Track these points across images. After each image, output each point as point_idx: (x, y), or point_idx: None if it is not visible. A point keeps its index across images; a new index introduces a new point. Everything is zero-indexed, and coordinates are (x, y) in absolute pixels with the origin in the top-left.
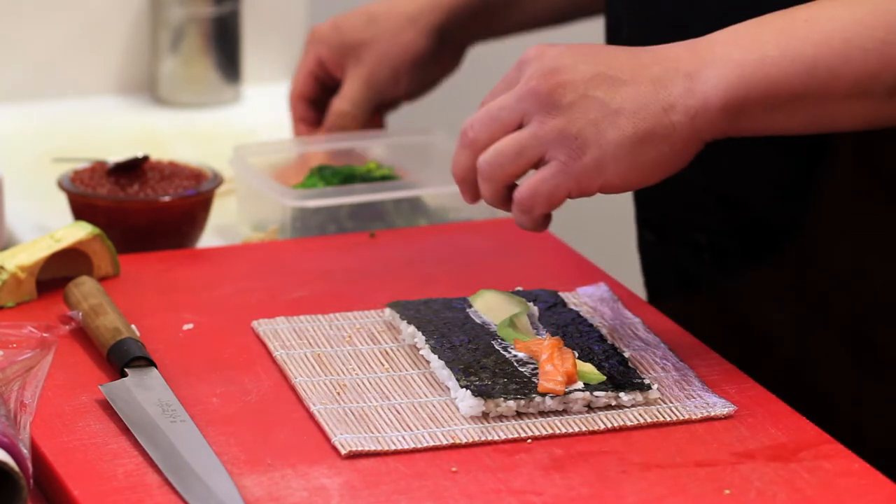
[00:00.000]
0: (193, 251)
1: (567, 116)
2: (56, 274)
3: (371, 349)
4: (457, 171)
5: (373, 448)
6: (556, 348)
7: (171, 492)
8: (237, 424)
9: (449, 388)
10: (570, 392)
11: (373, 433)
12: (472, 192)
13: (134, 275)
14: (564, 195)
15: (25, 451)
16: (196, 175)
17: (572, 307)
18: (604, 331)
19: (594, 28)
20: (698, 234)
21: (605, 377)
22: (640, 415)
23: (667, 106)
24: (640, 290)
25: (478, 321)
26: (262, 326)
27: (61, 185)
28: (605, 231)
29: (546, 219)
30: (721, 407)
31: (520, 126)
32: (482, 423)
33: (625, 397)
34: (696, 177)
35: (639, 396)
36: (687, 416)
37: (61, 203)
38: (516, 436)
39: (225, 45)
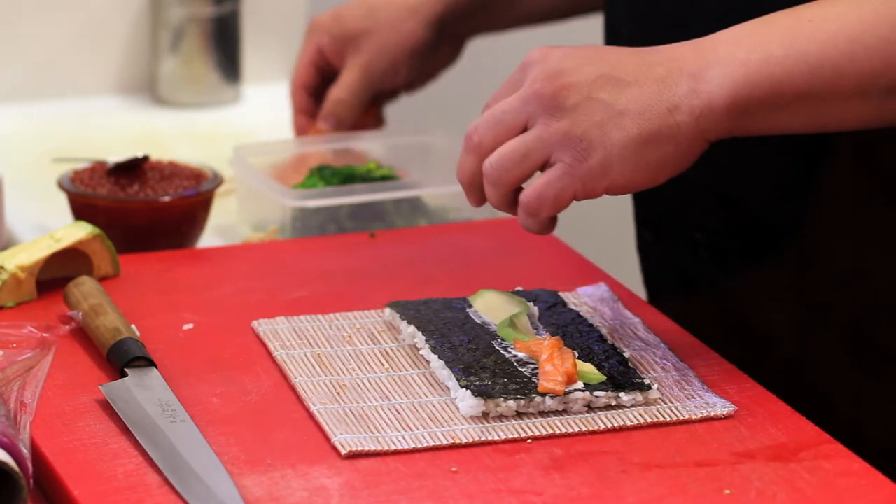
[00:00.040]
0: (193, 251)
1: (572, 118)
2: (56, 274)
3: (371, 349)
4: (462, 175)
5: (373, 448)
6: (556, 348)
7: (171, 492)
8: (237, 424)
9: (449, 388)
10: (570, 392)
11: (373, 433)
12: (477, 196)
13: (134, 275)
14: (570, 197)
15: (25, 451)
16: (196, 175)
17: (572, 307)
18: (604, 331)
19: (593, 27)
20: (698, 234)
21: (605, 377)
22: (640, 415)
23: (671, 106)
24: (639, 290)
25: (478, 321)
26: (262, 326)
27: (61, 185)
28: (605, 231)
29: (552, 221)
30: (721, 407)
31: (524, 129)
32: (482, 423)
33: (625, 397)
34: (696, 176)
35: (639, 396)
36: (687, 416)
37: (61, 203)
38: (516, 436)
39: (225, 45)
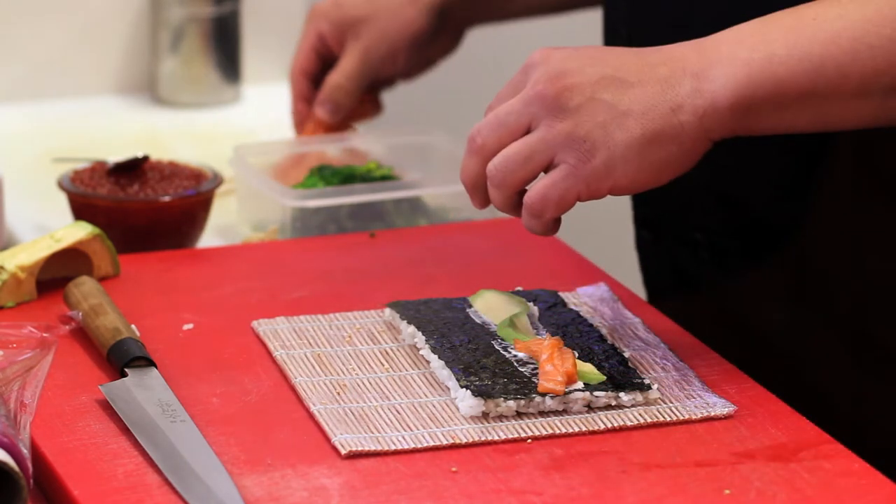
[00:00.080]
0: (193, 251)
1: (575, 119)
2: (56, 274)
3: (371, 349)
4: (466, 177)
5: (373, 448)
6: (556, 348)
7: (171, 492)
8: (237, 424)
9: (449, 388)
10: (570, 392)
11: (373, 433)
12: (481, 198)
13: (134, 275)
14: (574, 198)
15: (25, 451)
16: (196, 175)
17: (572, 307)
18: (604, 331)
19: (592, 26)
20: (697, 234)
21: (605, 377)
22: (640, 415)
23: (675, 106)
24: (639, 290)
25: (478, 321)
26: (262, 326)
27: (61, 185)
28: (605, 231)
29: (556, 223)
30: (721, 407)
31: (528, 130)
32: (482, 423)
33: (625, 397)
34: (696, 176)
35: (639, 396)
36: (687, 416)
37: (61, 203)
38: (516, 436)
39: (225, 45)
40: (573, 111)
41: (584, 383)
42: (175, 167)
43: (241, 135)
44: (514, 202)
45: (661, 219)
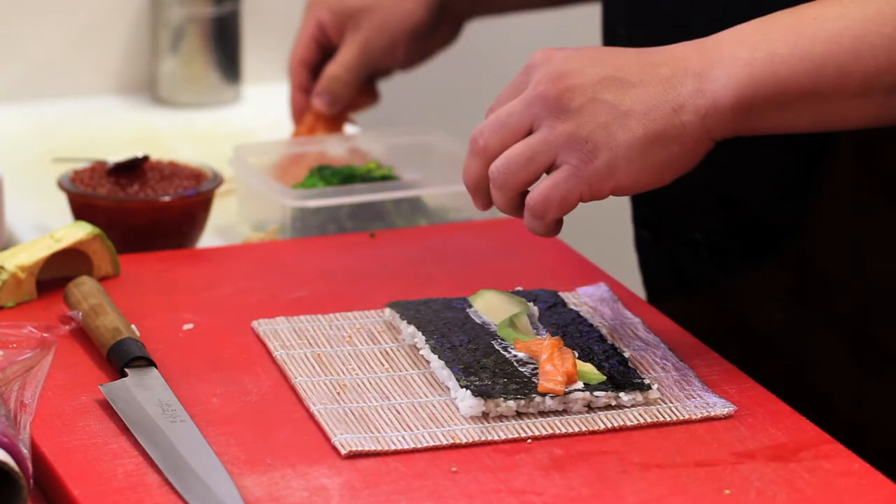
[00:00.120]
0: (193, 251)
1: (576, 120)
2: (56, 274)
3: (371, 349)
4: (468, 179)
5: (373, 448)
6: (556, 348)
7: (171, 492)
8: (237, 424)
9: (449, 388)
10: (570, 392)
11: (373, 433)
12: (484, 199)
13: (134, 275)
14: (577, 199)
15: (25, 451)
16: (196, 175)
17: (572, 307)
18: (604, 331)
19: (592, 26)
20: (697, 234)
21: (605, 377)
22: (640, 415)
23: (676, 106)
24: (639, 290)
25: (478, 321)
26: (262, 326)
27: (61, 185)
28: (605, 231)
29: (558, 224)
30: (721, 407)
31: (529, 132)
32: (482, 423)
33: (625, 397)
34: (696, 176)
35: (639, 396)
36: (687, 416)
37: (61, 203)
38: (516, 436)
39: (225, 45)
40: (575, 112)
41: (584, 383)
42: (175, 167)
43: (241, 135)
44: (517, 203)
45: (661, 219)
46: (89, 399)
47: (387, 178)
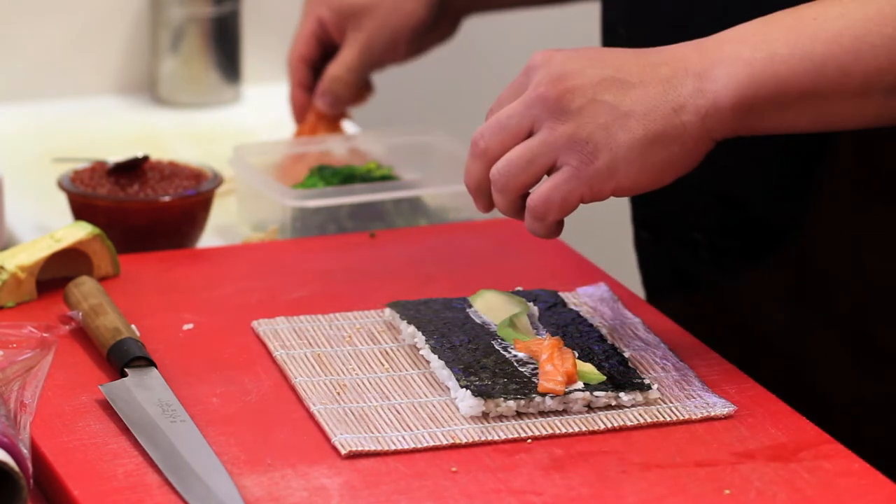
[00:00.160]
0: (193, 251)
1: (577, 121)
2: (56, 274)
3: (371, 349)
4: (469, 182)
5: (373, 448)
6: (556, 348)
7: (171, 492)
8: (237, 424)
9: (449, 388)
10: (570, 392)
11: (373, 433)
12: (485, 201)
13: (134, 275)
14: (577, 200)
15: (25, 451)
16: (196, 175)
17: (572, 307)
18: (604, 331)
19: (590, 26)
20: (697, 234)
21: (605, 377)
22: (640, 415)
23: (677, 106)
24: (639, 291)
25: (478, 321)
26: (262, 326)
27: (61, 185)
28: (605, 231)
29: (559, 225)
30: (721, 407)
31: (530, 133)
32: (482, 423)
33: (625, 397)
34: (695, 176)
35: (639, 396)
36: (687, 416)
37: (61, 203)
38: (516, 436)
39: (225, 45)
40: (575, 113)
41: (584, 383)
42: (175, 167)
43: (241, 135)
44: (518, 206)
45: (661, 219)
46: (89, 399)
47: (387, 178)
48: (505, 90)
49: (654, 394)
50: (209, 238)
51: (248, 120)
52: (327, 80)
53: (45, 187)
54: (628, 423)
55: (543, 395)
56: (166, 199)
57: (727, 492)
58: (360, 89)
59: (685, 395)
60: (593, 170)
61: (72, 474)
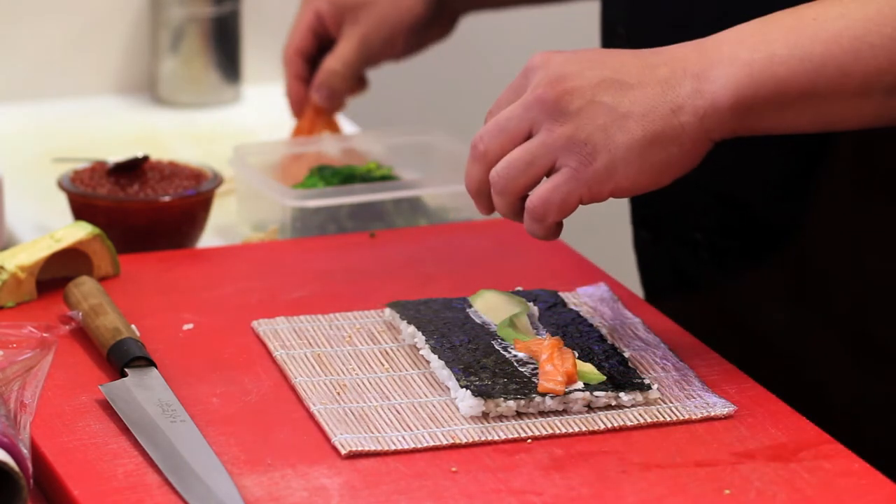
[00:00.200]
0: (193, 251)
1: (575, 123)
2: (56, 274)
3: (371, 349)
4: (470, 184)
5: (373, 448)
6: (556, 348)
7: (171, 492)
8: (237, 424)
9: (449, 388)
10: (570, 392)
11: (373, 433)
12: (486, 204)
13: (134, 275)
14: (576, 202)
15: (25, 451)
16: (196, 175)
17: (572, 307)
18: (604, 331)
19: (590, 25)
20: (697, 234)
21: (605, 377)
22: (640, 415)
23: (675, 107)
24: (638, 291)
25: (478, 321)
26: (262, 326)
27: (61, 185)
28: (605, 231)
29: (558, 227)
30: (721, 407)
31: (529, 135)
32: (482, 423)
33: (625, 397)
34: (695, 176)
35: (639, 396)
36: (687, 416)
37: (61, 203)
38: (516, 436)
39: (225, 45)
40: (573, 115)
41: (584, 383)
42: (175, 167)
43: (241, 135)
44: (518, 208)
45: (661, 219)
46: (89, 399)
47: (387, 178)
48: (504, 92)
49: (654, 394)
50: (209, 238)
51: (248, 120)
52: (323, 74)
53: (45, 187)
54: (628, 423)
55: (543, 395)
56: (166, 199)
57: (727, 492)
58: (356, 84)
59: (685, 395)
60: (592, 171)
61: (72, 474)
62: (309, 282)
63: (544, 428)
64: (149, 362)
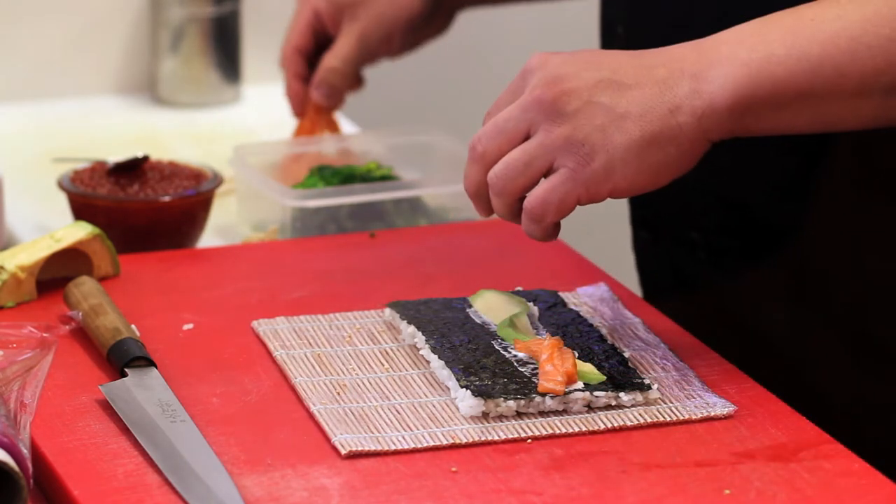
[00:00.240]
0: (193, 251)
1: (573, 123)
2: (56, 274)
3: (371, 349)
4: (469, 186)
5: (373, 448)
6: (556, 348)
7: (171, 492)
8: (237, 424)
9: (449, 388)
10: (570, 392)
11: (373, 433)
12: (485, 206)
13: (134, 275)
14: (574, 202)
15: (25, 451)
16: (196, 175)
17: (572, 307)
18: (604, 331)
19: (590, 25)
20: (695, 234)
21: (605, 377)
22: (640, 415)
23: (673, 107)
24: (637, 291)
25: (478, 321)
26: (262, 326)
27: (61, 185)
28: (605, 231)
29: (556, 227)
30: (721, 407)
31: (527, 137)
32: (482, 423)
33: (625, 397)
34: (693, 176)
35: (639, 396)
36: (687, 416)
37: (61, 203)
38: (516, 436)
39: (225, 45)
40: (571, 115)
41: (584, 383)
42: (175, 167)
43: (241, 135)
44: (516, 209)
45: (660, 219)
46: (89, 399)
47: (387, 178)
48: (502, 94)
49: (654, 394)
50: (209, 238)
51: (248, 120)
52: (323, 71)
53: (45, 187)
54: (628, 423)
55: (543, 395)
56: (166, 199)
57: (727, 492)
58: (353, 81)
59: (685, 395)
60: (590, 171)
61: (72, 474)
62: (309, 282)
63: (544, 428)
64: (149, 362)
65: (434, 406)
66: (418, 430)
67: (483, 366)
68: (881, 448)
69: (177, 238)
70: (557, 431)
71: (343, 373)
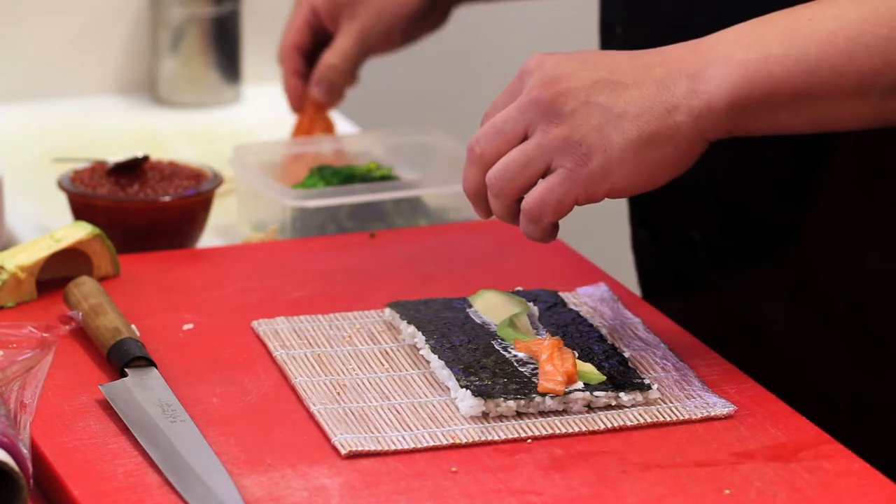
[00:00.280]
0: (193, 251)
1: (570, 124)
2: (56, 274)
3: (371, 349)
4: (467, 187)
5: (373, 448)
6: (556, 348)
7: (171, 492)
8: (237, 424)
9: (449, 388)
10: (570, 392)
11: (373, 433)
12: (484, 207)
13: (134, 275)
14: (572, 202)
15: (25, 451)
16: (196, 175)
17: (572, 307)
18: (604, 331)
19: (589, 23)
20: (694, 234)
21: (605, 377)
22: (640, 415)
23: (670, 107)
24: (637, 290)
25: (478, 321)
26: (262, 326)
27: (61, 185)
28: (605, 231)
29: (554, 228)
30: (721, 407)
31: (525, 137)
32: (482, 423)
33: (625, 397)
34: (693, 177)
35: (639, 396)
36: (687, 416)
37: (61, 203)
38: (516, 436)
39: (225, 45)
40: (568, 116)
41: (584, 383)
42: (175, 167)
43: (241, 135)
44: (514, 210)
45: (659, 219)
46: (89, 399)
47: (387, 178)
48: (500, 95)
49: (654, 394)
50: (209, 238)
51: (248, 120)
52: (322, 69)
53: (45, 187)
54: (628, 423)
55: (543, 395)
56: (166, 199)
57: (727, 492)
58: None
59: (685, 395)
60: (587, 171)
61: (72, 474)
62: (309, 282)
63: (544, 428)
64: (149, 362)
65: (434, 406)
66: (418, 430)
67: (483, 366)
68: (881, 448)
69: (177, 238)
70: (557, 431)
71: (343, 373)
